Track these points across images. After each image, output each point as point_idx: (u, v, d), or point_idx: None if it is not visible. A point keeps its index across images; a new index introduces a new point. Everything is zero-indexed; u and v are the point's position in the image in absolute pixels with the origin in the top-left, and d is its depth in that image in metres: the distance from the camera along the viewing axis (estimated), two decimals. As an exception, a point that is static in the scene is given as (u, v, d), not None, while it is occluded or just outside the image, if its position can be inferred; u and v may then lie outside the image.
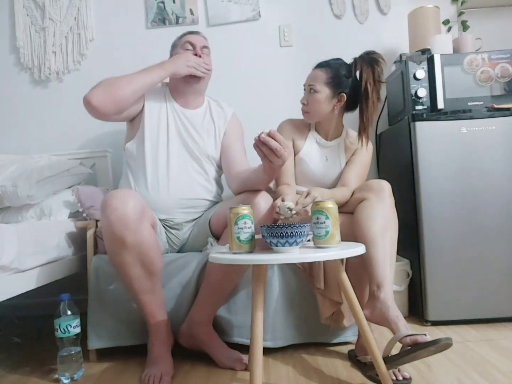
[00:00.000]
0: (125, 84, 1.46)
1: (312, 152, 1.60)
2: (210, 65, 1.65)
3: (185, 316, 1.46)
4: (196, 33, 1.69)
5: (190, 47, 1.62)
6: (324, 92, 1.52)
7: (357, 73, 1.50)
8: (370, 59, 1.48)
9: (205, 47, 1.66)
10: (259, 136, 1.17)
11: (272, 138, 1.17)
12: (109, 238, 1.26)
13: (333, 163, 1.60)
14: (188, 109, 1.64)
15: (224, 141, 1.66)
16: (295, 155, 1.61)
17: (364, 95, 1.47)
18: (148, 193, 1.52)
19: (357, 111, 1.56)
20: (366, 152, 1.59)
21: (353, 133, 1.63)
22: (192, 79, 1.59)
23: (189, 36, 1.66)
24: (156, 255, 1.33)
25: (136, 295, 1.34)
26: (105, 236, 1.28)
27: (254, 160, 1.39)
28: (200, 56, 1.61)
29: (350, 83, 1.52)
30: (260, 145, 1.18)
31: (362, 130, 1.52)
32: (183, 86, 1.62)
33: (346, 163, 1.60)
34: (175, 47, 1.67)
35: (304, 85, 1.59)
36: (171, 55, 1.67)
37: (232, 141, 1.66)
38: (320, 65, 1.56)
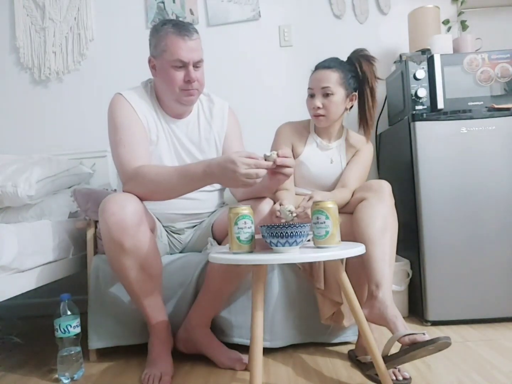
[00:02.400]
0: (165, 193, 1.30)
1: (313, 155, 1.59)
2: (203, 79, 1.45)
3: (185, 316, 1.46)
4: (186, 35, 1.37)
5: (179, 64, 1.38)
6: (340, 93, 1.49)
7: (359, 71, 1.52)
8: (367, 57, 1.50)
9: (199, 61, 1.41)
10: (266, 159, 1.16)
11: (283, 157, 1.18)
12: (108, 243, 1.25)
13: (335, 165, 1.60)
14: (180, 119, 1.53)
15: (225, 144, 1.57)
16: (294, 158, 1.59)
17: (371, 92, 1.51)
18: (150, 206, 1.45)
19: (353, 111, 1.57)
20: (367, 153, 1.59)
21: (354, 134, 1.63)
22: (185, 101, 1.45)
23: (178, 47, 1.36)
24: (155, 259, 1.32)
25: (136, 298, 1.34)
26: (104, 241, 1.27)
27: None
28: (194, 81, 1.40)
29: (356, 81, 1.53)
30: (271, 173, 1.18)
31: (371, 127, 1.55)
32: (174, 105, 1.48)
33: (347, 164, 1.60)
34: (159, 48, 1.40)
35: (310, 88, 1.53)
36: (152, 53, 1.44)
37: (233, 144, 1.58)
38: (325, 66, 1.51)
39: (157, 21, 2.27)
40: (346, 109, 1.55)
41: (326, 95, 1.49)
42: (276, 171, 1.18)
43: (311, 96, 1.54)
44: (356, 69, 1.52)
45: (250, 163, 1.13)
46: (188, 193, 1.31)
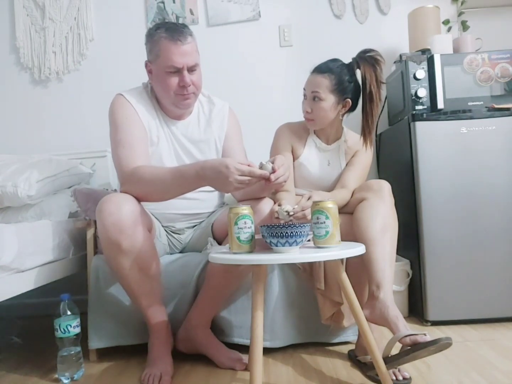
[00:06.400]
0: (160, 194, 1.30)
1: (312, 156, 1.59)
2: (199, 82, 1.44)
3: (185, 316, 1.46)
4: (179, 39, 1.35)
5: (173, 70, 1.37)
6: (329, 100, 1.47)
7: (359, 74, 1.48)
8: (371, 60, 1.45)
9: (194, 65, 1.40)
10: (261, 167, 1.17)
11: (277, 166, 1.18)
12: (105, 243, 1.25)
13: (334, 166, 1.60)
14: (180, 120, 1.53)
15: (225, 145, 1.58)
16: (294, 160, 1.59)
17: (369, 97, 1.44)
18: (150, 206, 1.46)
19: (356, 112, 1.55)
20: (366, 154, 1.57)
21: (353, 135, 1.62)
22: (181, 106, 1.45)
23: (171, 53, 1.35)
24: (153, 259, 1.32)
25: (135, 298, 1.34)
26: (101, 241, 1.28)
27: (253, 157, 1.40)
28: (189, 86, 1.39)
29: (353, 86, 1.49)
30: (269, 183, 1.18)
31: (368, 133, 1.49)
32: (172, 108, 1.48)
33: (346, 165, 1.60)
34: (153, 53, 1.39)
35: (304, 90, 1.53)
36: (148, 57, 1.44)
37: (233, 145, 1.58)
38: (320, 70, 1.49)
39: (157, 21, 2.28)
40: (339, 114, 1.52)
41: (315, 99, 1.48)
42: (271, 182, 1.18)
43: (304, 97, 1.54)
44: (355, 73, 1.49)
45: (244, 170, 1.13)
46: (183, 194, 1.31)
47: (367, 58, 1.46)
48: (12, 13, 2.34)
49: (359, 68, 1.47)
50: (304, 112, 1.53)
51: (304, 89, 1.54)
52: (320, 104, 1.48)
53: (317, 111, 1.49)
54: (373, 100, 1.45)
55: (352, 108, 1.54)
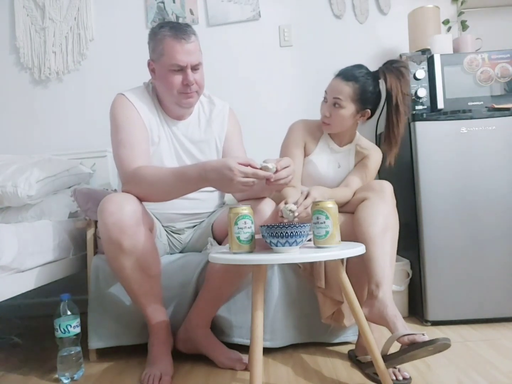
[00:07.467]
0: (161, 195, 1.30)
1: (323, 156, 1.59)
2: (202, 81, 1.45)
3: (185, 316, 1.46)
4: (183, 38, 1.36)
5: (177, 68, 1.37)
6: (350, 108, 1.47)
7: (383, 82, 1.47)
8: (396, 72, 1.43)
9: (198, 64, 1.40)
10: (265, 169, 1.15)
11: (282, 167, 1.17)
12: (107, 243, 1.25)
13: (344, 169, 1.60)
14: (181, 120, 1.53)
15: (226, 145, 1.57)
16: (304, 156, 1.59)
17: (395, 110, 1.44)
18: (151, 206, 1.45)
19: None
20: (374, 159, 1.58)
21: (364, 140, 1.62)
22: (184, 104, 1.45)
23: (175, 51, 1.35)
24: (154, 259, 1.32)
25: (135, 298, 1.34)
26: (102, 241, 1.28)
27: (253, 158, 1.39)
28: (192, 84, 1.40)
29: (375, 97, 1.48)
30: (267, 182, 1.17)
31: (394, 146, 1.48)
32: (174, 108, 1.48)
33: (354, 166, 1.60)
34: (157, 52, 1.39)
35: (325, 92, 1.51)
36: (151, 56, 1.44)
37: (233, 145, 1.58)
38: (346, 77, 1.46)
39: (157, 21, 2.28)
40: (357, 122, 1.53)
41: (336, 106, 1.47)
42: (271, 182, 1.18)
43: (324, 100, 1.53)
44: (379, 83, 1.48)
45: (248, 172, 1.12)
46: (185, 195, 1.31)
47: (393, 70, 1.44)
48: (12, 13, 2.34)
49: (384, 79, 1.46)
50: (322, 115, 1.53)
51: (325, 91, 1.52)
52: (340, 111, 1.47)
53: (335, 117, 1.49)
54: (399, 112, 1.44)
55: (370, 116, 1.53)
